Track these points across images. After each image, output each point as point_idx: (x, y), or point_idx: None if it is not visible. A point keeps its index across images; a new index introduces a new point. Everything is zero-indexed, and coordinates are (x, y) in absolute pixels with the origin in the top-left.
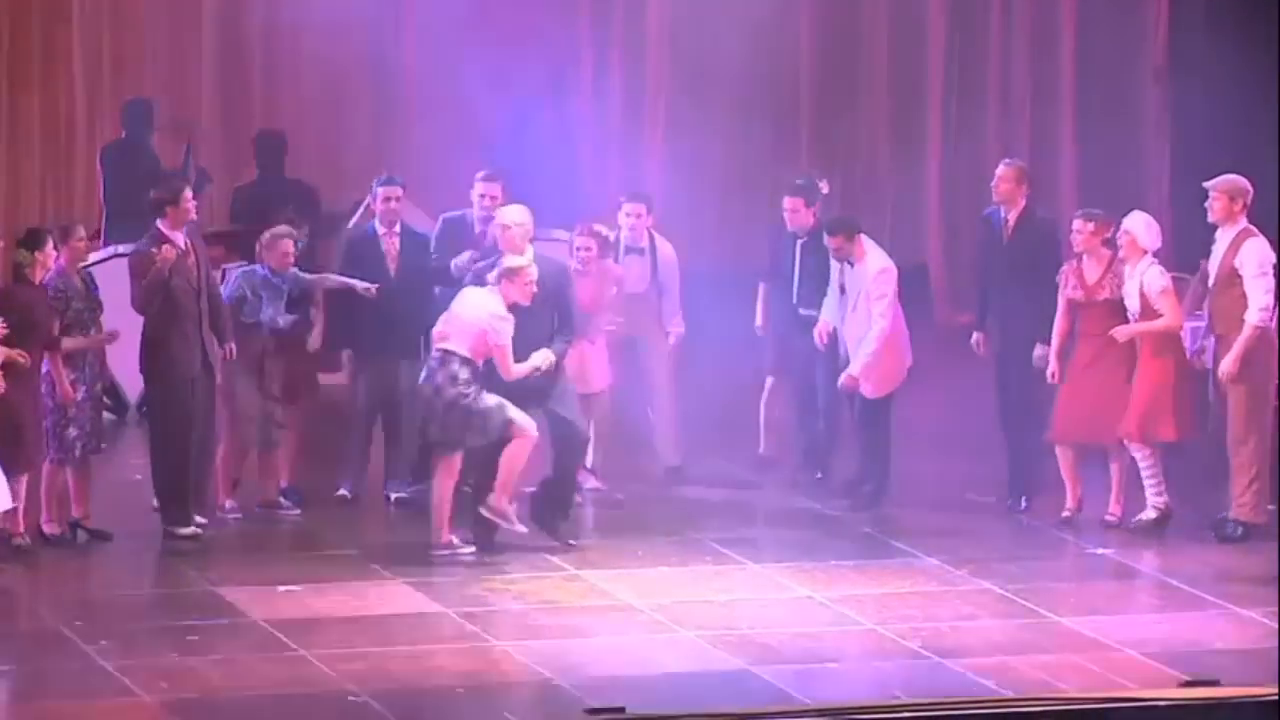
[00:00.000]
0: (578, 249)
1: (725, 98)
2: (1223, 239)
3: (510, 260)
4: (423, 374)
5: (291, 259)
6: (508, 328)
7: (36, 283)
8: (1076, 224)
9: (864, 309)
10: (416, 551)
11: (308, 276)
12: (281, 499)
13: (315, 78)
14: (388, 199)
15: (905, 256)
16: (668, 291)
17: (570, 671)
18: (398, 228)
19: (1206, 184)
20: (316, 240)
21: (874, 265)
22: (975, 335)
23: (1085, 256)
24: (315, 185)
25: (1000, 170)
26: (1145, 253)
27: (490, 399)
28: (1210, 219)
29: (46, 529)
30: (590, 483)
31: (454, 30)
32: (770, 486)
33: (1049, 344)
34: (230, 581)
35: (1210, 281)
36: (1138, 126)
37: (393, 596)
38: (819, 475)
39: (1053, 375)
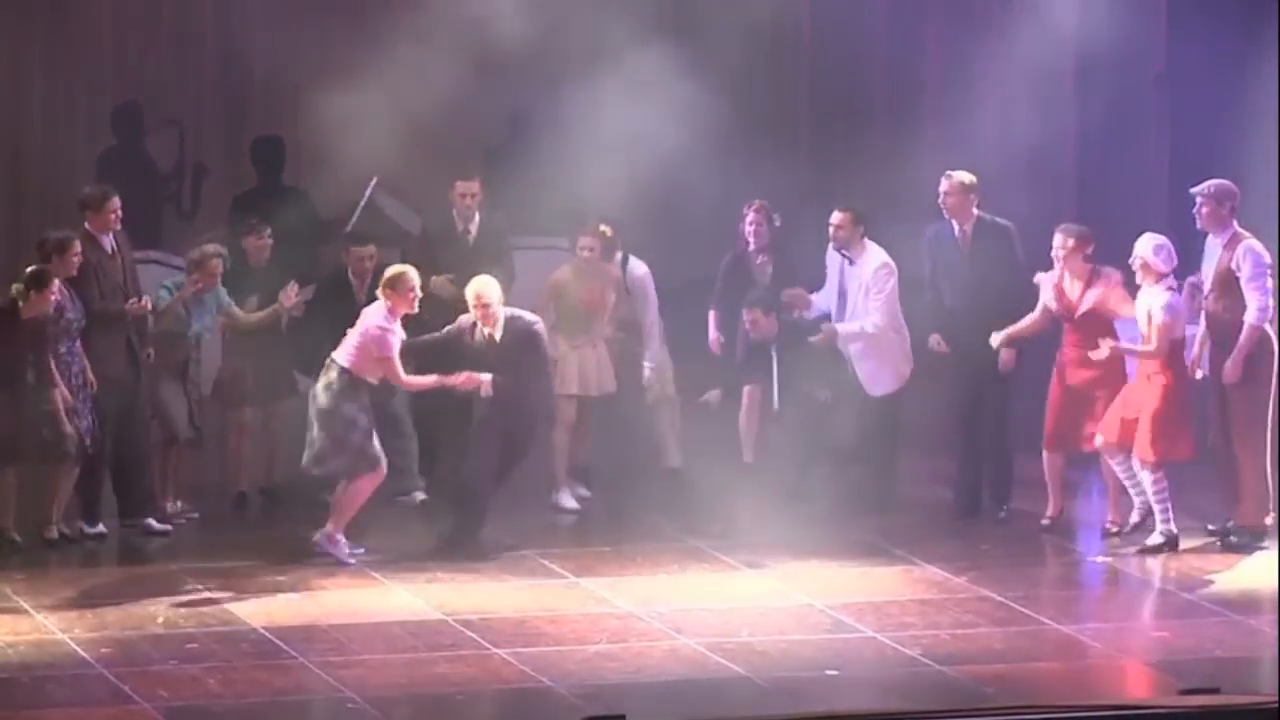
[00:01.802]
0: (581, 248)
1: (723, 103)
2: (1214, 243)
3: (392, 268)
4: (318, 383)
5: (218, 278)
6: (391, 337)
7: (24, 318)
8: (1057, 239)
9: (863, 309)
10: (416, 558)
11: (238, 314)
12: (179, 503)
13: (316, 84)
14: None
15: (904, 266)
16: (642, 313)
17: (569, 678)
18: None
19: (1193, 190)
20: (317, 247)
21: (874, 260)
22: (934, 337)
23: (1066, 272)
24: (312, 192)
25: (944, 185)
26: (1162, 275)
27: (365, 428)
28: (1200, 225)
29: (45, 532)
30: (580, 490)
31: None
32: (770, 492)
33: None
34: (228, 589)
35: (1206, 287)
36: (1137, 132)
37: (391, 603)
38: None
39: (1004, 364)
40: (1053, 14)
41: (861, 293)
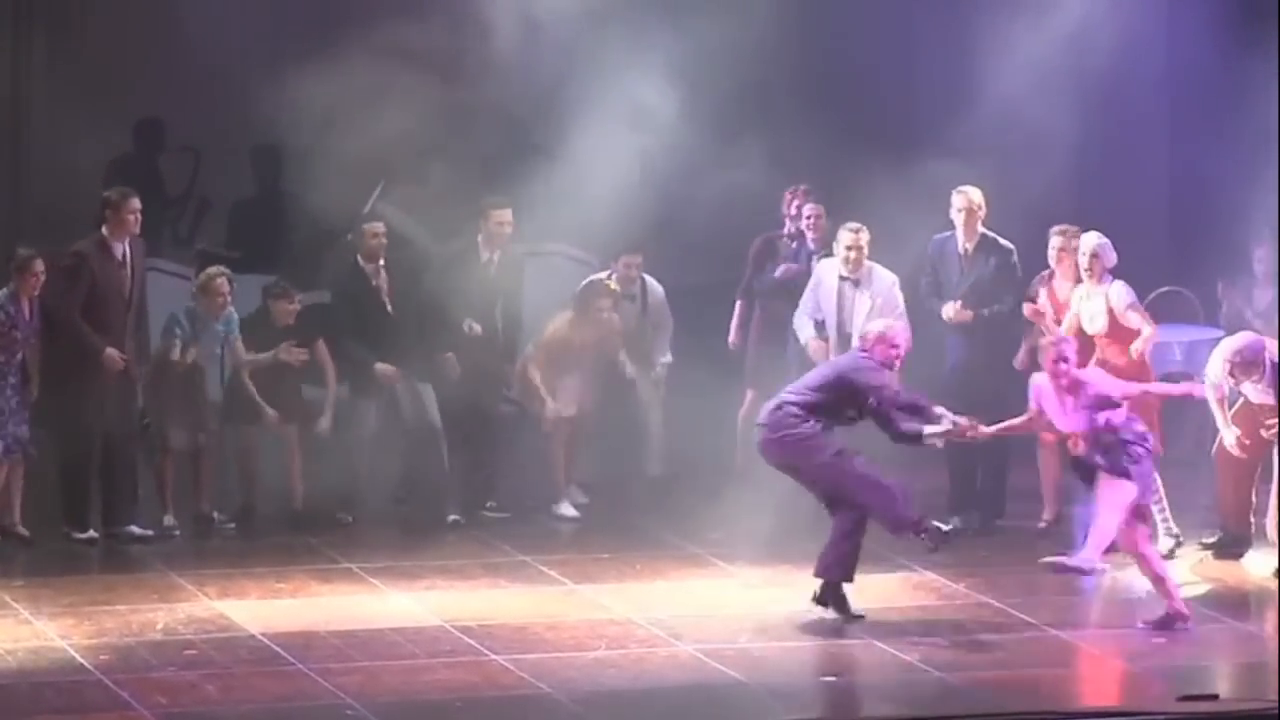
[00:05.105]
0: (598, 309)
1: (721, 105)
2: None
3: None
4: None
5: (226, 301)
6: None
7: None
8: (1053, 240)
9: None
10: (415, 566)
11: (240, 350)
12: (215, 514)
13: (317, 92)
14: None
15: (903, 276)
16: (660, 329)
17: (568, 685)
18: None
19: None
20: (322, 256)
21: (884, 279)
22: (949, 305)
23: (1059, 273)
24: (313, 200)
25: (955, 200)
26: (1109, 269)
27: None
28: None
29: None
30: (580, 498)
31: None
32: (769, 499)
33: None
34: (227, 595)
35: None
36: (1138, 134)
37: (390, 610)
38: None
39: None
40: (1053, 15)
41: (873, 313)
